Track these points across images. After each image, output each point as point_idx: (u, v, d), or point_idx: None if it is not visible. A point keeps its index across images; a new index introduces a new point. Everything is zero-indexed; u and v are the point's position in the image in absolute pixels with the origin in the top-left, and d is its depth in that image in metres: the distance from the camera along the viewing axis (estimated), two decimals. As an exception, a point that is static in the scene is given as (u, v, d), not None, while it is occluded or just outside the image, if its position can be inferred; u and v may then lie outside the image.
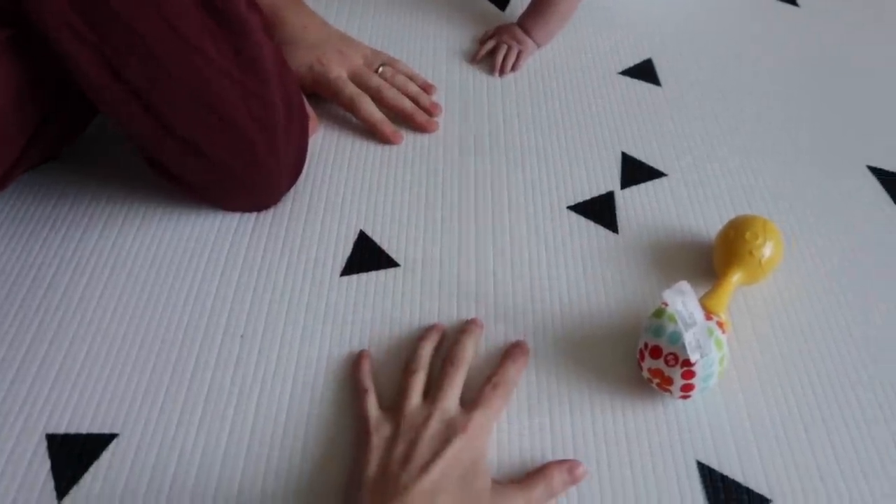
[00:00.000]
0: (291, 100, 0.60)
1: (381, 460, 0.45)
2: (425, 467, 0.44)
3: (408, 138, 0.71)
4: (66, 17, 0.46)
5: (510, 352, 0.54)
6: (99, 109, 0.56)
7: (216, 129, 0.55)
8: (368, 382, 0.51)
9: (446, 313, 0.57)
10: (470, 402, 0.50)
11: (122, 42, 0.48)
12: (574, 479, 0.47)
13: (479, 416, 0.48)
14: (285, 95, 0.58)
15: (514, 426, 0.50)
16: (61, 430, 0.50)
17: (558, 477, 0.47)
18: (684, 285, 0.49)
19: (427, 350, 0.53)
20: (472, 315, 0.57)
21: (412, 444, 0.45)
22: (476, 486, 0.45)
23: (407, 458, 0.45)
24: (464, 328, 0.55)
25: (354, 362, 0.53)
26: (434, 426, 0.47)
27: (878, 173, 0.69)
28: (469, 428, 0.47)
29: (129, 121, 0.55)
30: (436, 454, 0.45)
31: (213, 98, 0.53)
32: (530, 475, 0.47)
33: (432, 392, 0.50)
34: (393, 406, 0.50)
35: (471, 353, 0.53)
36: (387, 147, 0.70)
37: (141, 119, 0.54)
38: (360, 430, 0.49)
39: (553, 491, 0.47)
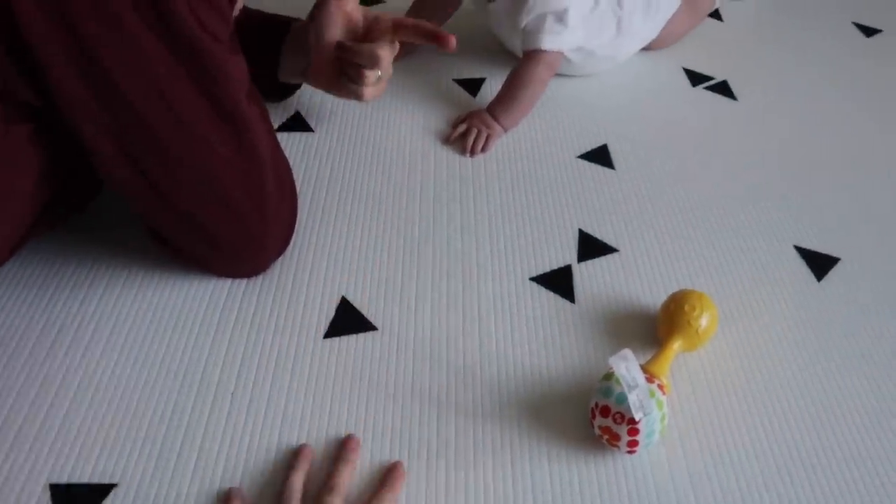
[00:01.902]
0: (283, 181, 0.67)
1: None
2: None
3: (385, 212, 0.78)
4: (94, 116, 0.52)
5: (386, 479, 0.54)
6: (107, 186, 0.63)
7: (215, 207, 0.62)
8: None
9: (419, 376, 0.63)
10: None
11: (139, 135, 0.55)
12: None
13: None
14: (277, 178, 0.65)
15: (480, 475, 0.56)
16: (64, 479, 0.54)
17: None
18: (628, 352, 0.56)
19: (298, 480, 0.53)
20: (441, 378, 0.63)
21: None
22: None
23: None
24: (338, 454, 0.56)
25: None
26: None
27: (803, 252, 0.78)
28: None
29: (136, 197, 0.61)
30: None
31: (215, 181, 0.60)
32: None
33: None
34: None
35: (346, 480, 0.54)
36: (367, 218, 0.77)
37: (146, 196, 0.60)
38: None
39: None
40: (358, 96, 0.78)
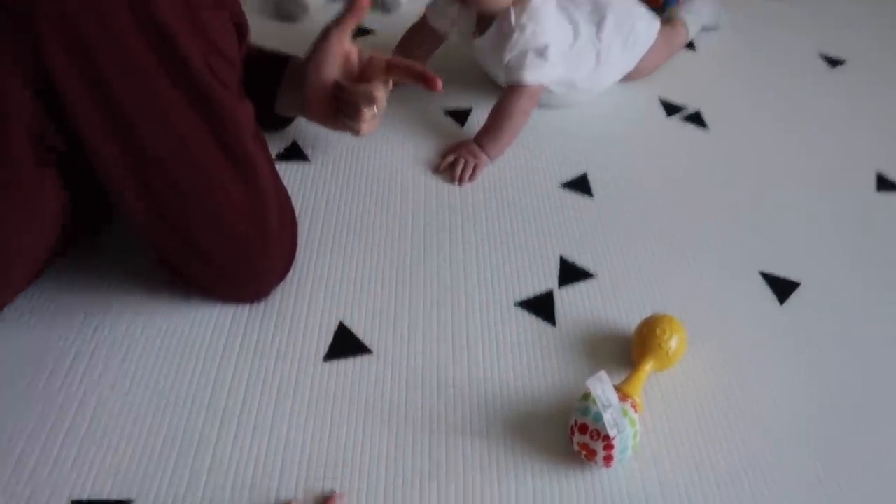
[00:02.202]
0: (284, 213, 0.72)
1: None
2: None
3: (378, 242, 0.83)
4: (116, 158, 0.57)
5: None
6: (120, 215, 0.67)
7: (221, 238, 0.66)
8: None
9: (412, 400, 0.68)
10: None
11: (156, 174, 0.60)
12: None
13: None
14: (279, 210, 0.70)
15: (469, 492, 0.61)
16: (85, 496, 0.58)
17: None
18: (603, 374, 0.62)
19: None
20: (433, 402, 0.68)
21: None
22: None
23: None
24: None
25: None
26: None
27: (767, 277, 0.84)
28: None
29: (147, 226, 0.65)
30: None
31: (222, 215, 0.65)
32: None
33: None
34: None
35: None
36: (362, 247, 0.82)
37: (157, 227, 0.65)
38: None
39: None
40: (354, 131, 0.83)
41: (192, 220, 0.63)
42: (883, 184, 1.00)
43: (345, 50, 0.81)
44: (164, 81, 0.54)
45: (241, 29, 0.61)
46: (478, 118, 1.02)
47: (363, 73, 0.82)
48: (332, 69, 0.81)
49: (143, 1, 0.51)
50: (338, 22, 0.80)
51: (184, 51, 0.54)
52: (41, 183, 0.57)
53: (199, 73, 0.56)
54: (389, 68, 0.80)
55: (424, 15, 1.04)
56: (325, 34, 0.81)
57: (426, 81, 0.78)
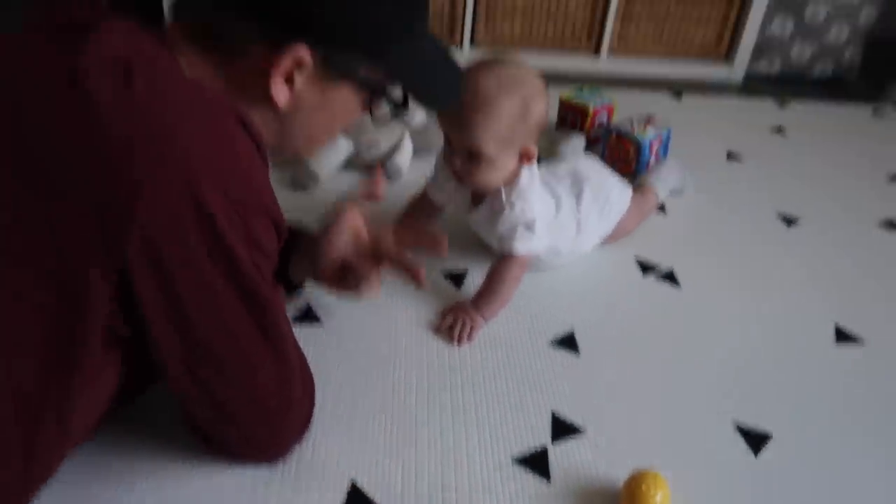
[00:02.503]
0: (305, 382, 0.81)
1: None
2: None
3: (386, 403, 0.91)
4: (172, 344, 0.66)
5: None
6: (161, 381, 0.75)
7: (251, 407, 0.74)
8: None
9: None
10: None
11: (203, 356, 0.68)
12: None
13: None
14: (302, 380, 0.79)
15: None
16: None
17: None
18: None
19: None
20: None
21: None
22: None
23: None
24: None
25: None
26: None
27: (741, 430, 0.92)
28: None
29: (186, 394, 0.73)
30: None
31: (255, 389, 0.73)
32: None
33: None
34: None
35: None
36: (371, 406, 0.90)
37: (196, 396, 0.72)
38: None
39: None
40: (358, 298, 0.93)
41: (230, 395, 0.72)
42: (841, 336, 1.10)
43: (355, 225, 0.92)
44: (220, 281, 0.64)
45: (279, 229, 0.72)
46: (473, 280, 1.13)
47: (373, 244, 0.93)
48: (342, 245, 0.92)
49: (212, 223, 0.61)
50: (352, 202, 0.91)
51: (237, 256, 0.64)
52: (105, 361, 0.66)
53: (248, 272, 0.66)
54: (399, 239, 0.91)
55: (425, 189, 1.18)
56: (339, 212, 0.92)
57: (432, 246, 0.87)
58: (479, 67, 1.00)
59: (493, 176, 1.04)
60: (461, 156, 1.02)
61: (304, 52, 0.66)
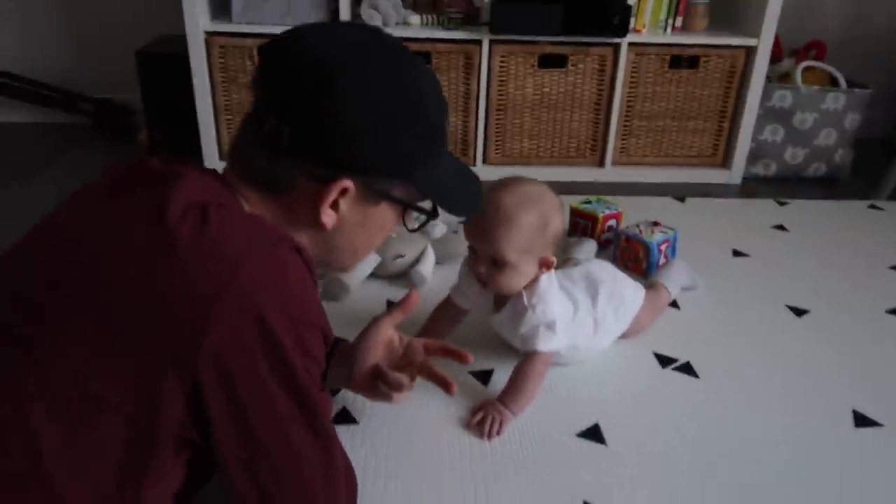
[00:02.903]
0: (349, 483, 0.85)
1: None
2: None
3: (421, 497, 0.95)
4: (234, 449, 0.72)
5: None
6: (222, 483, 0.80)
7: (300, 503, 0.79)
8: None
9: None
10: None
11: (261, 459, 0.74)
12: None
13: None
14: (346, 481, 0.84)
15: None
16: None
17: None
18: None
19: None
20: None
21: None
22: None
23: None
24: None
25: None
26: None
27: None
28: None
29: (242, 494, 0.78)
30: None
31: (307, 487, 0.78)
32: None
33: None
34: None
35: None
36: None
37: (252, 494, 0.77)
38: None
39: None
40: (389, 401, 0.99)
41: (284, 493, 0.77)
42: (860, 420, 1.14)
43: (389, 337, 1.01)
44: (279, 391, 0.71)
45: (327, 339, 0.80)
46: (499, 378, 1.20)
47: (405, 354, 1.01)
48: (375, 354, 1.00)
49: (274, 339, 0.69)
50: (386, 314, 1.00)
51: (294, 366, 0.72)
52: (175, 463, 0.72)
53: (302, 380, 0.73)
54: (427, 350, 1.00)
55: (450, 295, 1.27)
56: (375, 323, 1.01)
57: (458, 357, 0.97)
58: (501, 185, 1.12)
59: (514, 280, 1.13)
60: (485, 263, 1.12)
61: (348, 183, 0.77)
